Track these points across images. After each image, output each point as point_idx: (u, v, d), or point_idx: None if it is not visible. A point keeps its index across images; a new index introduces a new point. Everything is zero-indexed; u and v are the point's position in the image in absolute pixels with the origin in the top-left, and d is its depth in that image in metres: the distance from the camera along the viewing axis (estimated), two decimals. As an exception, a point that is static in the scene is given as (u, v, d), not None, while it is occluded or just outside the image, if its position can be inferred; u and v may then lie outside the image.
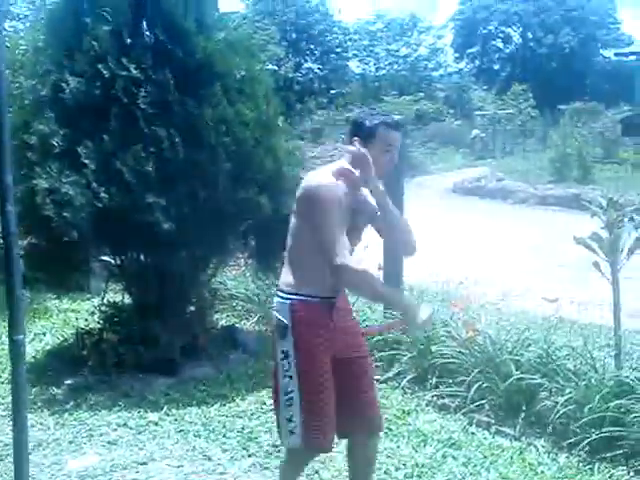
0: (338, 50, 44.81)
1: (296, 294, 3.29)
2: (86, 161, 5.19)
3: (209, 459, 4.46)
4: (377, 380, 4.76)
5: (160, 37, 5.40)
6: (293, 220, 3.35)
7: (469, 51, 52.48)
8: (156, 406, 5.16)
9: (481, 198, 15.33)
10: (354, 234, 3.38)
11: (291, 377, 3.30)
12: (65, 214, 5.11)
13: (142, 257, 5.80)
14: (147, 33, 5.44)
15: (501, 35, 52.76)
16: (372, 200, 3.38)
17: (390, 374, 5.54)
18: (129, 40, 5.39)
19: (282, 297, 3.32)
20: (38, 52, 5.76)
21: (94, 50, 5.37)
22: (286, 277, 3.34)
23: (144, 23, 5.42)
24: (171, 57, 5.38)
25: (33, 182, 5.22)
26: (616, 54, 42.21)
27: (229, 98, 5.45)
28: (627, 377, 4.56)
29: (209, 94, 5.37)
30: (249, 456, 4.49)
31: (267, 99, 5.78)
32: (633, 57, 35.51)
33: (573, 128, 21.58)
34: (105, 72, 5.27)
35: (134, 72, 5.26)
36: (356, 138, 3.30)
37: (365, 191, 3.38)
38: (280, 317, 3.30)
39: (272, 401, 3.60)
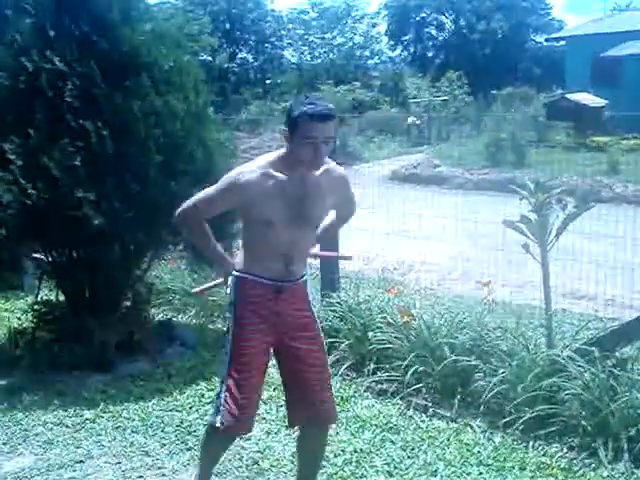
0: (272, 39, 44.71)
1: (241, 271, 3.34)
2: (12, 157, 5.10)
3: (147, 454, 4.42)
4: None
5: (85, 29, 5.32)
6: None
7: (403, 39, 52.83)
8: (92, 404, 5.09)
9: (418, 185, 15.47)
10: (308, 221, 3.30)
11: (227, 353, 3.32)
12: (-8, 212, 5.01)
13: (74, 253, 5.70)
14: (71, 25, 5.34)
15: (434, 22, 53.20)
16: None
17: (328, 362, 5.54)
18: (53, 32, 5.29)
19: (232, 274, 3.38)
20: (-41, 46, 5.62)
21: (17, 43, 5.28)
22: (239, 257, 3.42)
23: (68, 15, 5.31)
24: (96, 49, 5.29)
25: (-42, 180, 5.10)
26: (547, 39, 42.84)
27: (157, 89, 5.40)
28: (559, 356, 4.62)
29: (136, 86, 5.31)
30: (188, 450, 4.46)
31: (196, 90, 5.74)
32: (563, 42, 36.00)
33: (506, 113, 21.85)
34: (29, 65, 5.18)
35: (59, 65, 5.16)
36: (284, 128, 3.18)
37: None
38: (228, 293, 3.38)
39: None
